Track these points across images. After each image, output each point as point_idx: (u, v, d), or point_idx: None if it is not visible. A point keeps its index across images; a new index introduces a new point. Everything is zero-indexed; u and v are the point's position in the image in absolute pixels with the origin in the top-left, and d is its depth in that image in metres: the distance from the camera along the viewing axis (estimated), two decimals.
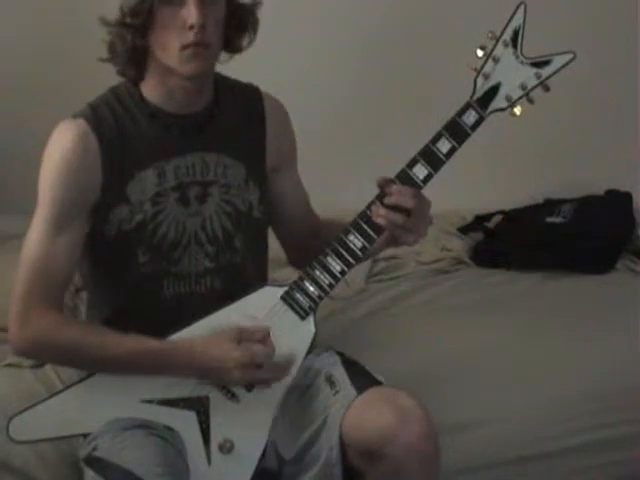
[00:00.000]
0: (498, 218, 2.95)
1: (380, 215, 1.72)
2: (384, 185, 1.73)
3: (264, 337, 1.72)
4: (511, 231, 2.84)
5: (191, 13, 1.67)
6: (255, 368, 1.70)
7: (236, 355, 1.69)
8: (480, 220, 2.95)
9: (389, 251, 2.75)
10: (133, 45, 1.71)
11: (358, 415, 1.72)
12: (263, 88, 1.92)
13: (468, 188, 2.95)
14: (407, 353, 2.16)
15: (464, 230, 2.91)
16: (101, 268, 1.82)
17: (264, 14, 1.76)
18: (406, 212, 1.71)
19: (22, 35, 2.98)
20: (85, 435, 1.77)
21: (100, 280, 1.84)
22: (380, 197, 1.73)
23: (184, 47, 1.69)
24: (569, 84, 2.92)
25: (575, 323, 2.34)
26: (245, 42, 1.81)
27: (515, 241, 2.75)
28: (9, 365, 2.14)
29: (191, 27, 1.67)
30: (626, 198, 2.89)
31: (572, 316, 2.39)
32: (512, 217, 2.93)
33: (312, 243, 1.91)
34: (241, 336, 1.71)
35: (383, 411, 1.69)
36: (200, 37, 1.68)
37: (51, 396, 1.77)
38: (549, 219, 2.81)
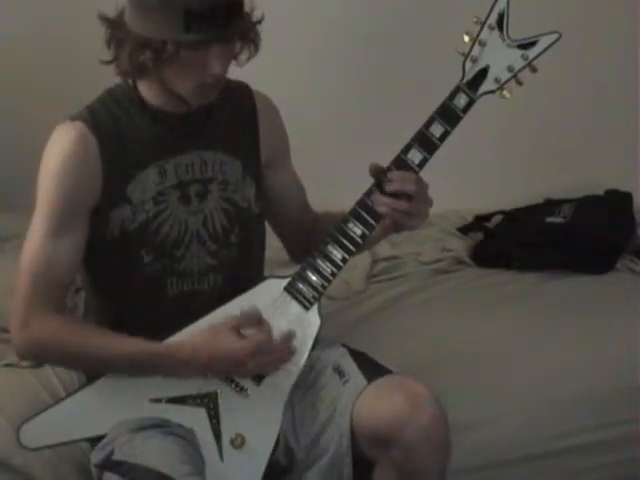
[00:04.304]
0: (498, 218, 2.95)
1: (383, 203, 1.73)
2: (380, 173, 1.74)
3: (258, 319, 1.74)
4: (511, 231, 2.84)
5: (216, 65, 1.67)
6: (265, 353, 1.71)
7: (244, 346, 1.70)
8: (480, 220, 2.95)
9: (389, 251, 2.77)
10: (144, 63, 1.68)
11: (369, 403, 1.73)
12: (263, 87, 1.92)
13: (468, 188, 2.95)
14: (407, 353, 2.15)
15: (464, 230, 2.91)
16: (104, 272, 1.82)
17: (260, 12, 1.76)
18: (407, 197, 1.72)
19: (23, 36, 2.98)
20: (92, 439, 1.78)
21: (102, 283, 1.84)
22: (378, 185, 1.74)
23: (200, 86, 1.70)
24: (569, 84, 2.95)
25: (575, 323, 2.34)
26: (247, 56, 1.78)
27: (515, 241, 2.75)
28: (8, 365, 2.14)
29: (214, 77, 1.68)
30: (626, 198, 2.89)
31: (572, 316, 2.38)
32: (512, 217, 2.93)
33: (311, 237, 1.92)
34: (239, 326, 1.72)
35: (394, 398, 1.71)
36: (218, 80, 1.71)
37: (58, 402, 1.78)
38: (549, 219, 2.80)
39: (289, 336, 1.76)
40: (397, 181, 1.72)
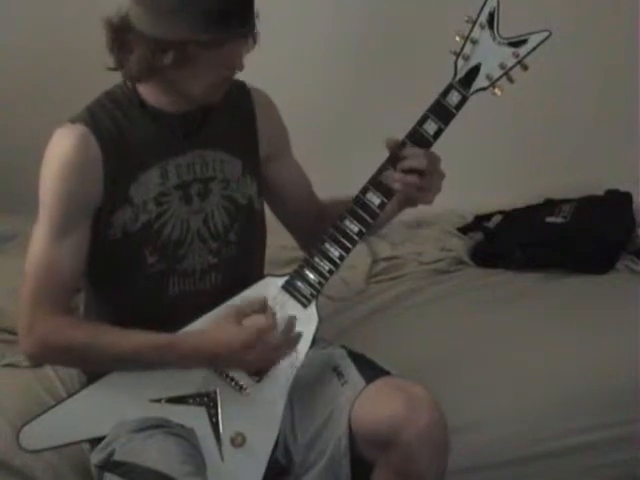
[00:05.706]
0: (498, 218, 2.95)
1: (395, 180, 1.74)
2: (394, 148, 1.74)
3: (261, 307, 1.74)
4: (511, 231, 2.84)
5: (237, 61, 1.71)
6: (265, 342, 1.70)
7: (243, 336, 1.70)
8: (480, 220, 2.96)
9: (389, 251, 2.77)
10: (155, 65, 1.69)
11: (368, 405, 1.73)
12: (263, 86, 1.92)
13: (468, 188, 2.94)
14: (407, 353, 2.16)
15: (464, 230, 2.92)
16: (106, 273, 1.82)
17: (261, 12, 1.76)
18: (419, 172, 1.74)
19: (25, 37, 2.98)
20: (93, 440, 1.78)
21: (103, 284, 1.84)
22: (392, 162, 1.74)
23: (213, 85, 1.73)
24: (569, 84, 2.95)
25: (575, 323, 2.34)
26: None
27: (515, 241, 2.76)
28: (8, 365, 2.14)
29: (236, 70, 1.72)
30: (626, 198, 2.89)
31: (572, 316, 2.38)
32: (512, 217, 2.93)
33: (319, 226, 1.91)
34: (240, 315, 1.72)
35: (393, 400, 1.71)
36: (231, 77, 1.74)
37: (58, 403, 1.78)
38: (549, 219, 2.81)
39: (291, 322, 1.75)
40: (409, 157, 1.74)
